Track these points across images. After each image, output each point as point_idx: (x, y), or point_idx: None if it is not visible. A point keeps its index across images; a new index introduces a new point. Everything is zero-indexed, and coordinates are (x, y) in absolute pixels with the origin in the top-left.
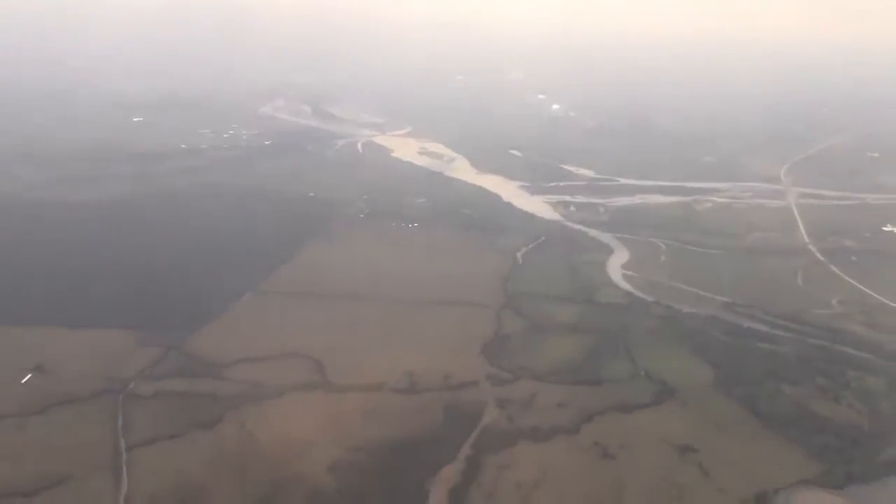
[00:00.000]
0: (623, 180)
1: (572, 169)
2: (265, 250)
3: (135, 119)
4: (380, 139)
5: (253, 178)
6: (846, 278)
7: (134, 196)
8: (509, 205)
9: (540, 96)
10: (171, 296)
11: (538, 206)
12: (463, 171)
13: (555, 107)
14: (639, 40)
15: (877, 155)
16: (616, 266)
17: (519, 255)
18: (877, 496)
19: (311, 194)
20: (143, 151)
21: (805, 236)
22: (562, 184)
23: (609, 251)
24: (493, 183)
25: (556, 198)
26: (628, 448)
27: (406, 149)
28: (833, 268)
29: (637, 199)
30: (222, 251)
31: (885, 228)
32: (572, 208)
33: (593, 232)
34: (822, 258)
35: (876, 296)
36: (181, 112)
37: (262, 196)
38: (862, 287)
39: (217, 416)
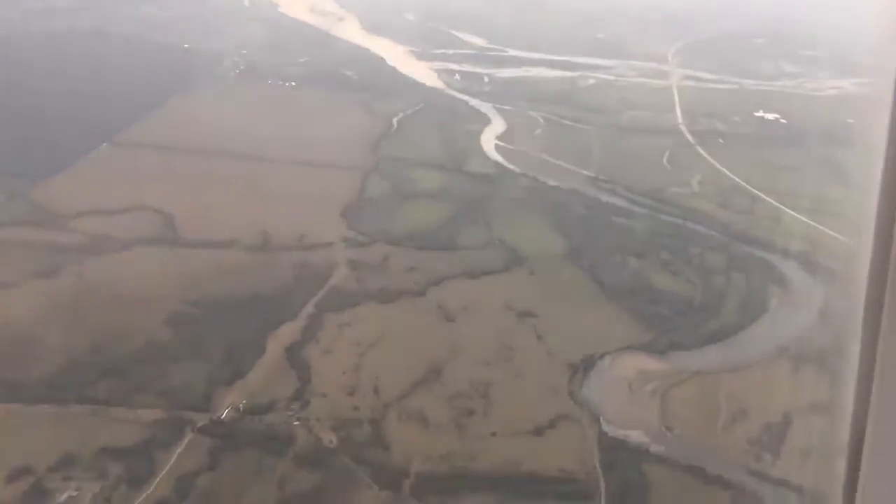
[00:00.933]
0: (513, 52)
1: (464, 37)
2: (128, 101)
3: None
4: None
5: (125, 24)
6: (710, 160)
7: None
8: (393, 69)
9: None
10: (21, 143)
11: (423, 72)
12: (351, 31)
13: None
14: None
15: (762, 41)
16: (491, 137)
17: (395, 120)
18: (693, 361)
19: (187, 45)
20: None
21: (679, 117)
22: (450, 51)
23: (487, 122)
24: (380, 46)
25: (442, 65)
26: (470, 311)
27: (295, 4)
28: (699, 149)
29: (523, 72)
30: (81, 99)
31: (756, 114)
32: (457, 77)
33: (474, 102)
34: (691, 139)
35: (734, 178)
36: None
37: (133, 44)
38: (722, 169)
39: (57, 266)
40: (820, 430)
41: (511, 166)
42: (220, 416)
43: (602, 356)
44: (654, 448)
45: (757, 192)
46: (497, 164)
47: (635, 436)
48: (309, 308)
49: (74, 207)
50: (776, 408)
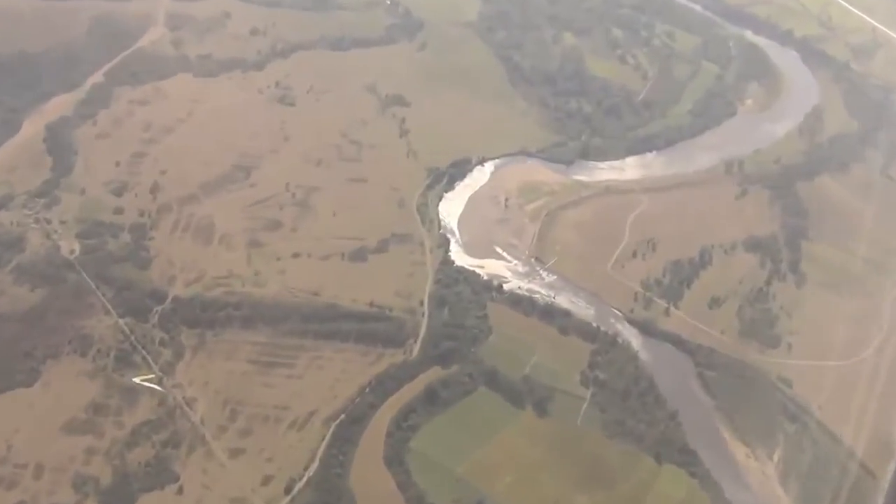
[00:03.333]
0: None
1: None
2: None
3: None
4: None
5: None
6: None
7: None
8: None
9: None
10: None
11: None
12: None
13: None
14: None
15: None
16: None
17: None
18: (605, 175)
19: None
20: None
21: None
22: None
23: None
24: None
25: None
26: (319, 94)
27: None
28: None
29: None
30: None
31: None
32: None
33: None
34: None
35: None
36: None
37: None
38: None
39: None
40: (741, 275)
41: None
42: None
43: (482, 162)
44: (512, 285)
45: None
46: None
47: (492, 267)
48: (97, 77)
49: None
50: (696, 241)
